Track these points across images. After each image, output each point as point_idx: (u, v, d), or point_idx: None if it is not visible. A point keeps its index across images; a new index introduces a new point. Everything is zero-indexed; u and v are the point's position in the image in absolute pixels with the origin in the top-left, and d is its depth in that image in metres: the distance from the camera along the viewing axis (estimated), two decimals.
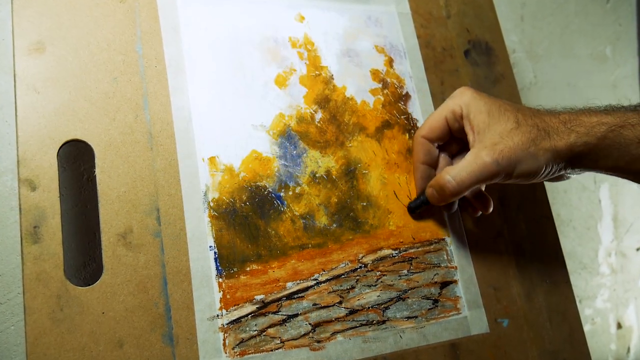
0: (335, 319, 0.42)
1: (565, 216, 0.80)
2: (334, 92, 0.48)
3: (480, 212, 0.48)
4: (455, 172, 0.42)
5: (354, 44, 0.51)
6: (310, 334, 0.41)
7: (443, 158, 0.48)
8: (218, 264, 0.40)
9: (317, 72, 0.48)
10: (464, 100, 0.44)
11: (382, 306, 0.44)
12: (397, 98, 0.51)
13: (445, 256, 0.47)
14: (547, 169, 0.42)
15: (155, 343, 0.36)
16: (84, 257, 0.46)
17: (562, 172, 0.43)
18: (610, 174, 0.44)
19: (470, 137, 0.44)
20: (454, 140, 0.47)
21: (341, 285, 0.43)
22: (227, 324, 0.38)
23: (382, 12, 0.53)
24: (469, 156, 0.42)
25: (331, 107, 0.48)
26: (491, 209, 0.47)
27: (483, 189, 0.49)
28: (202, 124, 0.42)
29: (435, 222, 0.48)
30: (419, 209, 0.47)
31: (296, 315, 0.41)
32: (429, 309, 0.45)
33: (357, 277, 0.44)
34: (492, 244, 0.50)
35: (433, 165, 0.47)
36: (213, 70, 0.44)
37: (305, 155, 0.45)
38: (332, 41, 0.50)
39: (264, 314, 0.40)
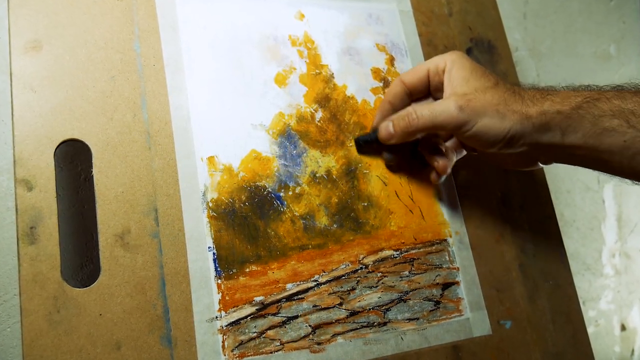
0: (336, 320, 0.42)
1: (568, 216, 0.80)
2: (335, 90, 0.48)
3: (443, 177, 0.47)
4: (417, 107, 0.42)
5: (354, 42, 0.51)
6: (311, 335, 0.41)
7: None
8: (217, 265, 0.39)
9: (317, 71, 0.48)
10: (451, 57, 0.44)
11: (383, 308, 0.44)
12: None
13: (447, 257, 0.47)
14: (511, 133, 0.40)
15: (153, 345, 0.36)
16: (81, 258, 0.46)
17: (528, 146, 0.41)
18: (575, 161, 0.42)
19: (448, 90, 0.44)
20: (429, 98, 0.47)
21: (342, 287, 0.43)
22: (226, 326, 0.38)
23: (383, 9, 0.53)
24: (437, 101, 0.43)
25: (331, 106, 0.48)
26: (449, 170, 0.46)
27: (444, 149, 0.47)
28: (200, 123, 0.42)
29: (437, 223, 0.48)
30: (367, 145, 0.47)
31: (296, 317, 0.41)
32: (430, 311, 0.45)
33: (358, 279, 0.44)
34: (494, 245, 0.50)
35: (399, 110, 0.46)
36: (212, 69, 0.44)
37: (305, 154, 0.45)
38: (332, 39, 0.50)
39: (264, 316, 0.40)
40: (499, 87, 0.42)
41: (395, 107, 0.46)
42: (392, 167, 0.48)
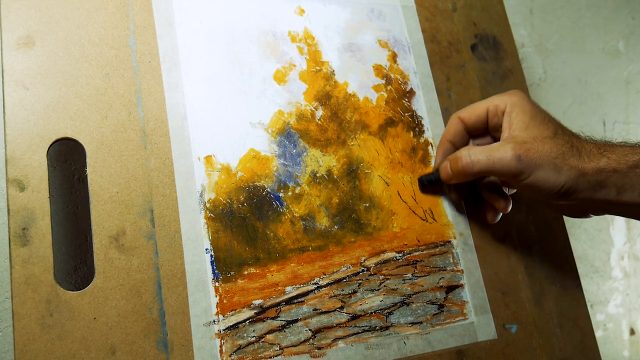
0: (337, 324, 0.42)
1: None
2: (335, 88, 0.48)
3: (500, 215, 0.48)
4: (474, 151, 0.43)
5: (356, 38, 0.51)
6: (311, 340, 0.41)
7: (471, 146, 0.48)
8: (214, 268, 0.39)
9: (317, 68, 0.48)
10: (512, 99, 0.45)
11: (386, 311, 0.44)
12: (401, 94, 0.51)
13: (451, 259, 0.47)
14: (565, 187, 0.41)
15: (149, 350, 0.36)
16: (75, 261, 0.46)
17: (581, 200, 0.42)
18: (630, 215, 0.44)
19: (505, 134, 0.44)
20: (488, 136, 0.48)
21: (343, 290, 0.43)
22: (224, 330, 0.38)
23: (386, 4, 0.53)
24: (494, 144, 0.43)
25: (332, 104, 0.48)
26: (509, 209, 0.47)
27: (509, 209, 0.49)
28: (197, 122, 0.42)
29: (441, 224, 0.48)
30: (430, 184, 0.48)
31: (296, 320, 0.41)
32: (434, 314, 0.45)
33: (360, 281, 0.44)
34: (500, 247, 0.50)
35: (459, 147, 0.48)
36: (209, 66, 0.44)
37: (305, 154, 0.45)
38: (333, 35, 0.50)
39: (262, 320, 0.40)
40: (557, 138, 0.42)
41: (456, 145, 0.48)
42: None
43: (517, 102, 0.44)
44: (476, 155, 0.43)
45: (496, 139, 0.48)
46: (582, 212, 0.45)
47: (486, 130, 0.48)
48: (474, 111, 0.47)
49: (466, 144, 0.48)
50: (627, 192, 0.41)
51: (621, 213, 0.44)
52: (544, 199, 0.43)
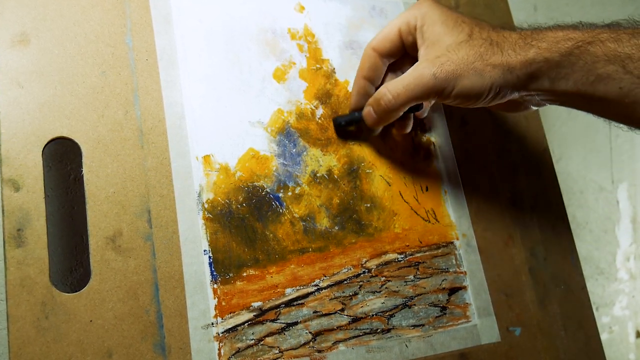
0: (337, 327, 0.42)
1: (581, 218, 0.80)
2: (336, 86, 0.48)
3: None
4: (392, 85, 0.41)
5: (357, 35, 0.51)
6: (311, 343, 0.41)
7: (390, 78, 0.46)
8: (213, 269, 0.39)
9: (317, 66, 0.48)
10: (420, 10, 0.43)
11: (387, 314, 0.44)
12: None
13: (453, 261, 0.47)
14: (494, 88, 0.39)
15: (146, 353, 0.36)
16: (71, 262, 0.46)
17: (516, 95, 0.41)
18: (568, 104, 0.41)
19: (421, 51, 0.42)
20: (408, 59, 0.46)
21: (343, 292, 0.43)
22: (222, 333, 0.38)
23: (387, 1, 0.53)
24: (410, 70, 0.41)
25: (333, 103, 0.48)
26: (409, 129, 0.47)
27: (425, 114, 0.48)
28: (196, 121, 0.42)
29: (444, 225, 0.48)
30: (349, 125, 0.46)
31: (296, 323, 0.41)
32: (436, 317, 0.45)
33: (361, 283, 0.44)
34: (503, 248, 0.50)
35: (377, 83, 0.46)
36: (207, 64, 0.44)
37: (305, 153, 0.45)
38: (334, 32, 0.50)
39: (262, 322, 0.40)
40: (473, 40, 0.40)
41: (373, 80, 0.45)
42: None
43: (426, 12, 0.42)
44: (394, 88, 0.41)
45: (415, 60, 0.44)
46: (521, 106, 0.43)
47: (405, 53, 0.45)
48: (386, 37, 0.44)
49: (382, 76, 0.46)
50: (561, 81, 0.39)
51: (559, 103, 0.42)
52: (476, 105, 0.41)
